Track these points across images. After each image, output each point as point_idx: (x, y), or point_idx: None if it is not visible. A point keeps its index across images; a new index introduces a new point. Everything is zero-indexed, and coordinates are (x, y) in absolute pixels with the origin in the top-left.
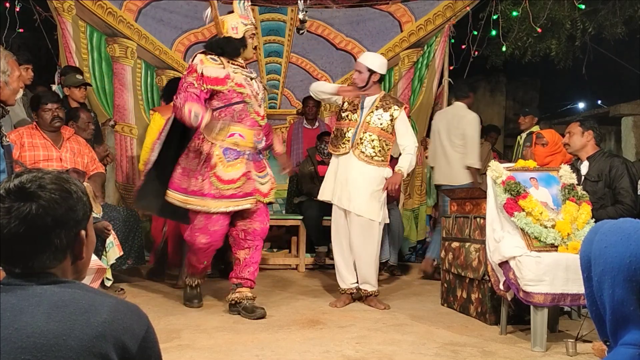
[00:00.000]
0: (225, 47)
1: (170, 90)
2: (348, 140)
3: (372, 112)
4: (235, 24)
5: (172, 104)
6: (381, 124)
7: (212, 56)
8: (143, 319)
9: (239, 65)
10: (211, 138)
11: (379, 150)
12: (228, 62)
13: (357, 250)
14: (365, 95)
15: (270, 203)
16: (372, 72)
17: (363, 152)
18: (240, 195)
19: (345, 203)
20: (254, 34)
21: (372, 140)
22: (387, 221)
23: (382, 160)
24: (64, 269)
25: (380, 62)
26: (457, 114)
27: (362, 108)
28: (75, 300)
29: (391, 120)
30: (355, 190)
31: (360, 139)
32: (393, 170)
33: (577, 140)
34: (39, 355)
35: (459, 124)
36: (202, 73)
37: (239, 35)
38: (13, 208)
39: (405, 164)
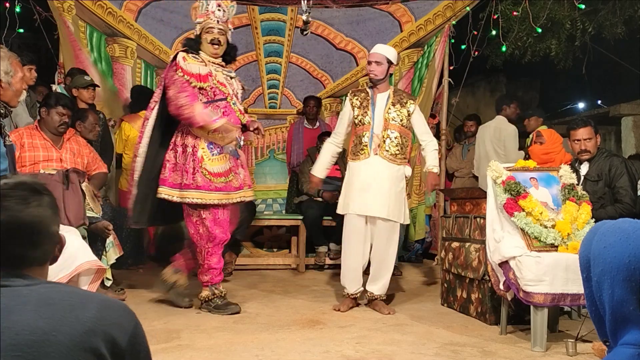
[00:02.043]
0: (188, 46)
1: (137, 98)
2: (366, 145)
3: (390, 108)
4: (195, 27)
5: (141, 113)
6: (401, 120)
7: (193, 54)
8: (131, 315)
9: (219, 65)
10: (219, 139)
11: (401, 148)
12: (209, 61)
13: (379, 255)
14: (375, 93)
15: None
16: (390, 63)
17: (387, 151)
18: (232, 189)
19: (372, 210)
20: (210, 27)
21: (395, 138)
22: (408, 222)
23: (404, 158)
24: (44, 271)
25: (395, 53)
26: (498, 127)
27: (373, 107)
28: (63, 298)
29: (408, 115)
30: (381, 194)
31: (383, 137)
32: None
33: (595, 145)
34: (30, 352)
35: (501, 135)
36: (186, 69)
37: (197, 33)
38: (30, 198)
39: (436, 161)
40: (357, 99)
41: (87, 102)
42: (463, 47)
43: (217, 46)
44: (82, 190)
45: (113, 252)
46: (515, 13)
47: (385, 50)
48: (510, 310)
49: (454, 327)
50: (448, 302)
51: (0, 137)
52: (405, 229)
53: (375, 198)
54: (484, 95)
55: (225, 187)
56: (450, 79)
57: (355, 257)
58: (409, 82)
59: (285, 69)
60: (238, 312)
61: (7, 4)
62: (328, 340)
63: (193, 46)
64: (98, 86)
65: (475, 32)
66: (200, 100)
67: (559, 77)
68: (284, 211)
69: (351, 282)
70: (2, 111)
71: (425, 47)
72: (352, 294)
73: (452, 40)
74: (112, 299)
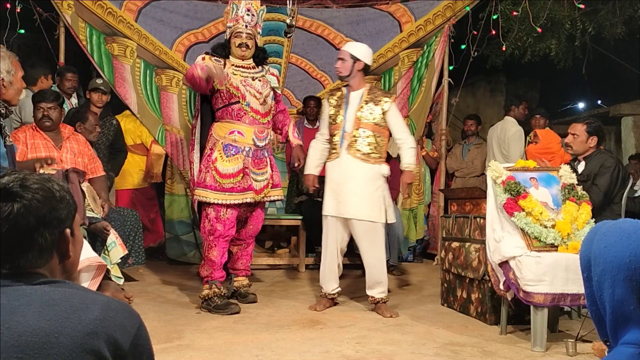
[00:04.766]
0: (216, 50)
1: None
2: (337, 144)
3: (362, 107)
4: (226, 30)
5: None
6: (374, 119)
7: (216, 58)
8: (135, 317)
9: (241, 66)
10: (215, 75)
11: (375, 147)
12: (231, 64)
13: (367, 258)
14: (349, 91)
15: (273, 201)
16: (355, 59)
17: (359, 150)
18: (239, 189)
19: (345, 211)
20: (239, 32)
21: (367, 137)
22: (394, 220)
23: (379, 157)
24: (52, 269)
25: (364, 50)
26: (504, 127)
27: (346, 106)
28: (66, 299)
29: (383, 113)
30: (354, 194)
31: (354, 136)
32: (392, 169)
33: (580, 144)
34: (31, 354)
35: (505, 136)
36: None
37: (227, 37)
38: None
39: (412, 159)
40: (333, 99)
41: (96, 105)
42: (463, 47)
43: (244, 49)
44: (82, 190)
45: (117, 251)
46: (515, 13)
47: (349, 47)
48: (510, 310)
49: (454, 327)
50: (448, 302)
51: (0, 137)
52: (403, 229)
53: (347, 199)
54: (484, 95)
55: (231, 189)
56: (450, 79)
57: (332, 258)
58: (409, 81)
59: (285, 69)
60: (238, 312)
61: (8, 5)
62: (328, 340)
63: (221, 51)
64: (106, 92)
65: (475, 32)
66: (219, 103)
67: (559, 77)
68: (284, 210)
69: (328, 282)
70: (2, 111)
71: (425, 47)
72: (329, 294)
73: (452, 40)
74: (116, 300)
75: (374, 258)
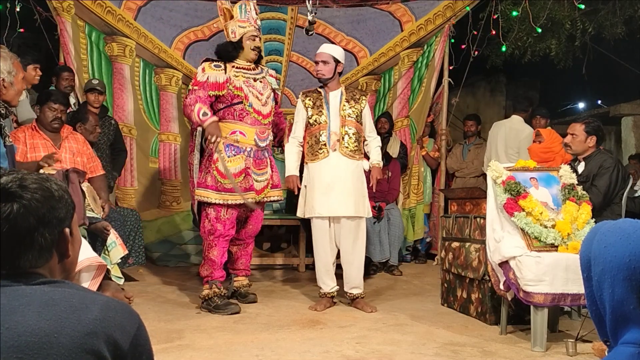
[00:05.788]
0: (222, 52)
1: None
2: (324, 144)
3: (344, 105)
4: (234, 29)
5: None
6: (356, 116)
7: (216, 63)
8: (134, 317)
9: (243, 67)
10: (210, 137)
11: (359, 143)
12: (232, 66)
13: (349, 254)
14: (327, 91)
15: (273, 201)
16: (337, 61)
17: (347, 147)
18: (241, 190)
19: (338, 210)
20: (254, 35)
21: (353, 134)
22: (370, 215)
23: (362, 153)
24: (51, 268)
25: (342, 52)
26: (514, 127)
27: (327, 105)
28: (65, 299)
29: (361, 111)
30: (345, 192)
31: (342, 134)
32: (391, 169)
33: (579, 144)
34: (31, 354)
35: (516, 137)
36: (205, 80)
37: (236, 39)
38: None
39: (380, 156)
40: (309, 100)
41: (93, 105)
42: (463, 47)
43: (257, 52)
44: (82, 190)
45: (117, 251)
46: (515, 13)
47: (331, 50)
48: (510, 310)
49: (454, 327)
50: (448, 302)
51: (0, 137)
52: (403, 229)
53: (339, 197)
54: (484, 95)
55: (232, 189)
56: (450, 79)
57: (326, 257)
58: (409, 81)
59: (286, 68)
60: (238, 312)
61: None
62: (328, 340)
63: (230, 52)
64: (100, 92)
65: (475, 32)
66: (219, 105)
67: (559, 77)
68: (284, 211)
69: (325, 281)
70: (2, 111)
71: (425, 47)
72: (328, 293)
73: (452, 40)
74: (116, 300)
75: (358, 254)
